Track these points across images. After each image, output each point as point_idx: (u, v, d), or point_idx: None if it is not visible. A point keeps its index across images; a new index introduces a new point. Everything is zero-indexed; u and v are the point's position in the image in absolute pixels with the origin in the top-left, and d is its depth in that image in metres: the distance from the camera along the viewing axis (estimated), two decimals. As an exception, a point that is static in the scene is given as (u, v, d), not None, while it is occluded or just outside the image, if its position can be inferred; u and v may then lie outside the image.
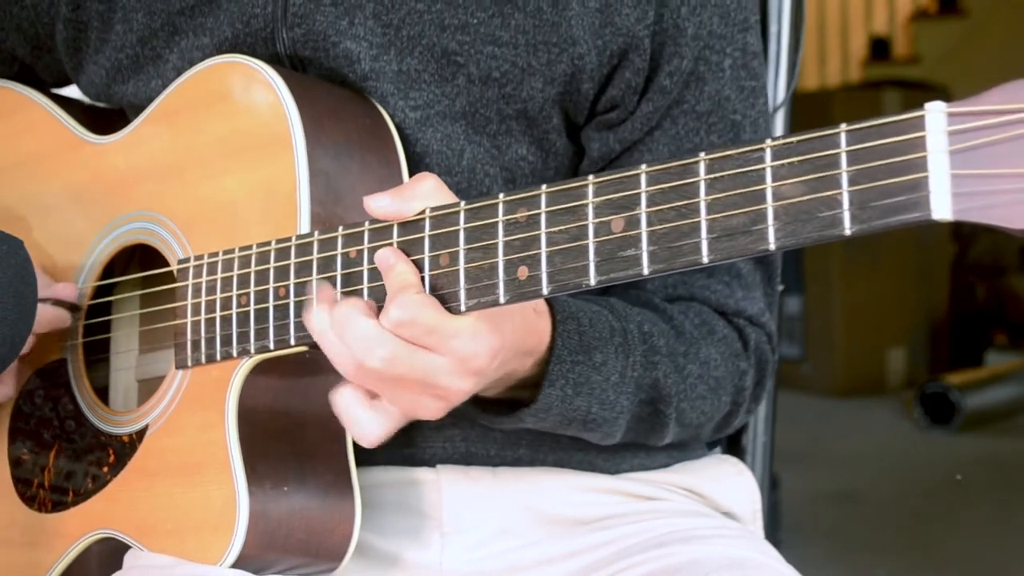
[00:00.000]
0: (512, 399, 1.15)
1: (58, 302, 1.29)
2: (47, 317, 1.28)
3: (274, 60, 1.22)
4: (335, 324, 1.02)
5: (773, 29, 1.69)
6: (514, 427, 1.16)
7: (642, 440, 1.26)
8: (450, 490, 1.27)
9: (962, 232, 6.39)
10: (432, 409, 1.04)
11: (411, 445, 1.26)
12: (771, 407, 1.71)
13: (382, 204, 1.03)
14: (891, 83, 6.51)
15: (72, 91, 1.45)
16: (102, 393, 1.33)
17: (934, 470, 4.76)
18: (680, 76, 1.22)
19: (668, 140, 1.25)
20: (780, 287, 1.46)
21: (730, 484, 1.37)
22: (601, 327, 1.16)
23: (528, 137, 1.24)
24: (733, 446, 1.66)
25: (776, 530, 3.12)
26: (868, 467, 4.81)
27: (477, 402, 1.14)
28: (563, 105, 1.23)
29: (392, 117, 1.21)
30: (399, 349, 0.99)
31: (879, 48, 7.93)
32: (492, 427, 1.18)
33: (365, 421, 1.05)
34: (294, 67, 1.24)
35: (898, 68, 7.57)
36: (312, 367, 1.16)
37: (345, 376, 1.04)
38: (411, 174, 1.20)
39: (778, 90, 1.71)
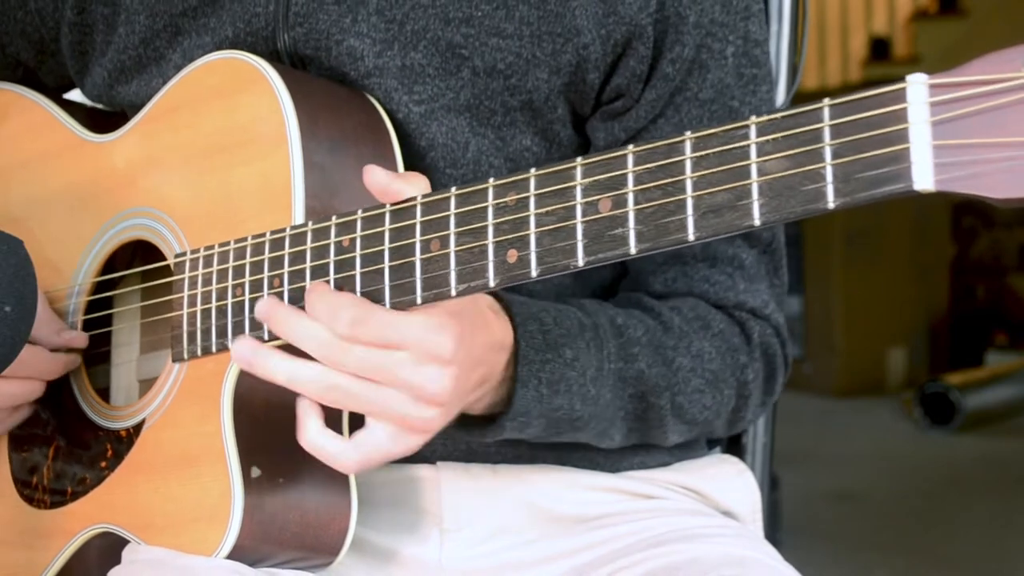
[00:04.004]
0: (494, 414, 1.15)
1: (70, 349, 1.30)
2: (61, 362, 1.29)
3: (273, 59, 1.22)
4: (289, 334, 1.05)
5: (774, 28, 1.67)
6: (497, 437, 1.16)
7: (649, 440, 1.26)
8: (450, 487, 1.27)
9: (962, 231, 6.39)
10: (419, 416, 1.03)
11: (412, 443, 1.27)
12: (771, 407, 1.70)
13: (377, 178, 1.04)
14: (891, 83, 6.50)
15: (74, 95, 1.46)
16: (105, 392, 1.34)
17: (934, 470, 4.76)
18: (682, 64, 1.23)
19: (672, 128, 1.25)
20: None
21: (730, 484, 1.37)
22: (568, 324, 1.16)
23: (533, 128, 1.24)
24: (733, 446, 1.65)
25: (776, 530, 3.11)
26: (868, 467, 4.81)
27: (461, 422, 1.14)
28: (568, 96, 1.24)
29: (396, 112, 1.22)
30: (359, 352, 1.01)
31: (879, 48, 7.94)
32: (475, 439, 1.18)
33: (337, 452, 1.05)
34: (293, 65, 1.24)
35: (898, 68, 7.56)
36: (309, 359, 1.16)
37: (317, 395, 1.05)
38: (413, 169, 1.21)
39: (778, 91, 1.69)
